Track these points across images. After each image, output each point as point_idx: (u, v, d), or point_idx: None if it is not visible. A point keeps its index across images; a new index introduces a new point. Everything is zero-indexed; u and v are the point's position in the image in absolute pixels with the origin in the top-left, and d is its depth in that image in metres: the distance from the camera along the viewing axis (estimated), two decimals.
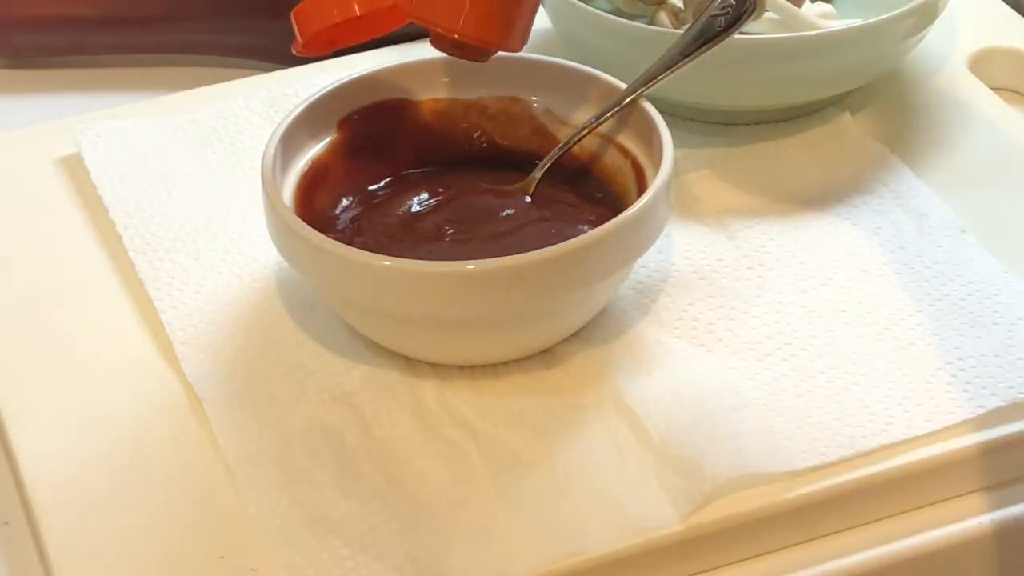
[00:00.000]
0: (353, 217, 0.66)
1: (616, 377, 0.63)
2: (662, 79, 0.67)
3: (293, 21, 0.67)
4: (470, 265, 0.60)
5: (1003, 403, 0.61)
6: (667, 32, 0.74)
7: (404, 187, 0.68)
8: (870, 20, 0.73)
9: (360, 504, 0.58)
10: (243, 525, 0.58)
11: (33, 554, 0.59)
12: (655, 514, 0.57)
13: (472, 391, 0.63)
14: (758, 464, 0.59)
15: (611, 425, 0.61)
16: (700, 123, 0.76)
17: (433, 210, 0.67)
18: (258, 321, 0.65)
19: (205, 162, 0.75)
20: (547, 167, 0.67)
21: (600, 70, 0.69)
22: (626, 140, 0.67)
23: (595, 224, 0.62)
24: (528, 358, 0.64)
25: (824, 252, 0.69)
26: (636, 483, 0.58)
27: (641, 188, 0.64)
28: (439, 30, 0.64)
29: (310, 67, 0.82)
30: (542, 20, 0.81)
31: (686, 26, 0.76)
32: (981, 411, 0.61)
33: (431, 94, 0.70)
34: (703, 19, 0.68)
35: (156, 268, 0.69)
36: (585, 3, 0.75)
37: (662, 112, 0.66)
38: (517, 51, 0.65)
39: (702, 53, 0.67)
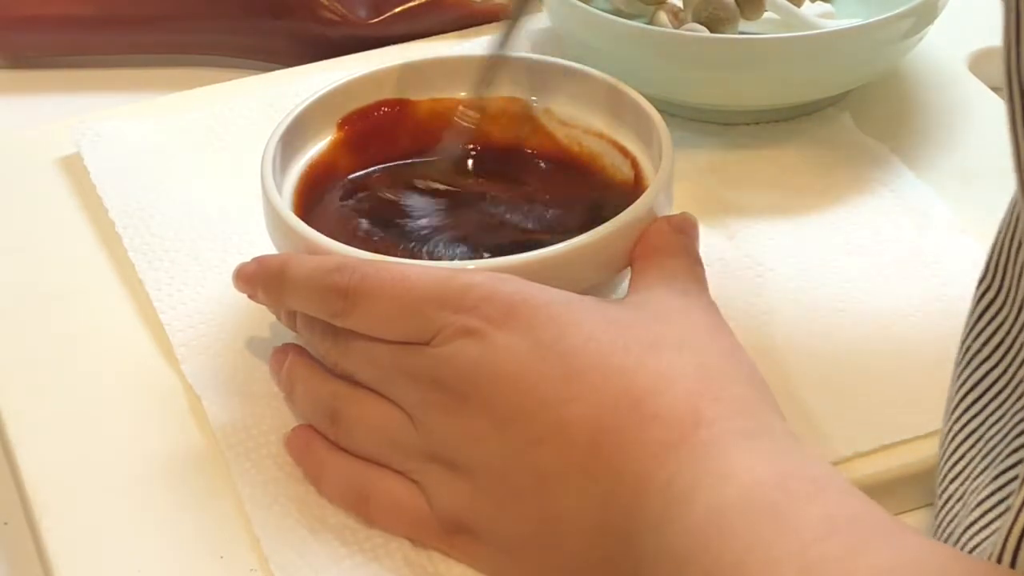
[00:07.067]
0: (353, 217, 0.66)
1: None
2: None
3: None
4: (470, 266, 0.60)
5: None
6: (667, 32, 0.74)
7: (404, 186, 0.68)
8: (870, 20, 0.73)
9: None
10: (243, 525, 0.58)
11: (33, 554, 0.59)
12: None
13: None
14: None
15: None
16: (700, 123, 0.76)
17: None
18: (258, 321, 0.65)
19: (205, 162, 0.75)
20: None
21: (600, 70, 0.69)
22: (626, 140, 0.67)
23: (595, 224, 0.62)
24: None
25: (824, 252, 0.69)
26: None
27: (641, 188, 0.64)
28: None
29: (310, 67, 0.82)
30: (542, 20, 0.81)
31: (686, 25, 0.77)
32: None
33: (431, 94, 0.69)
34: None
35: (156, 268, 0.69)
36: (585, 3, 0.75)
37: (662, 112, 0.66)
38: None
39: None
